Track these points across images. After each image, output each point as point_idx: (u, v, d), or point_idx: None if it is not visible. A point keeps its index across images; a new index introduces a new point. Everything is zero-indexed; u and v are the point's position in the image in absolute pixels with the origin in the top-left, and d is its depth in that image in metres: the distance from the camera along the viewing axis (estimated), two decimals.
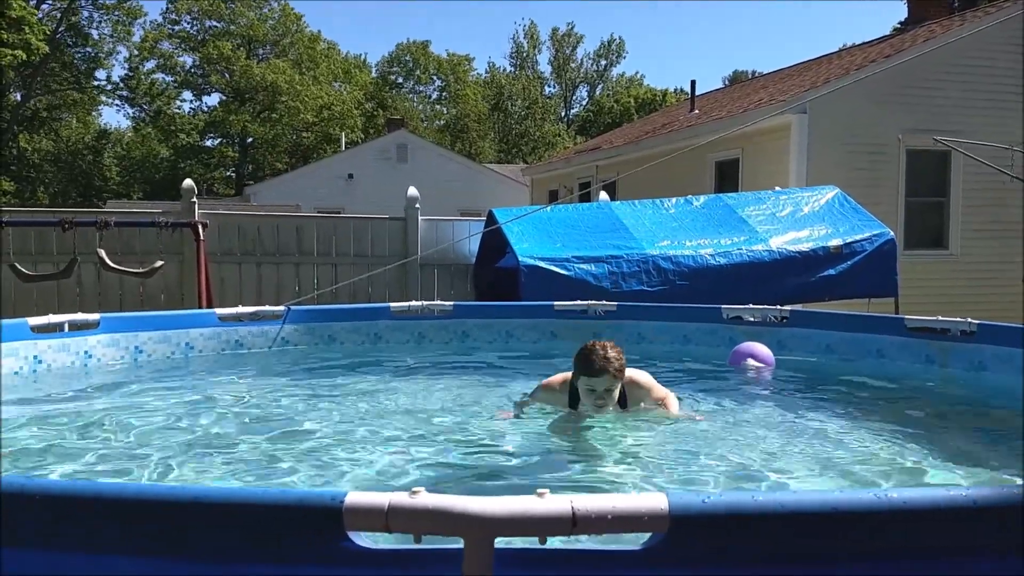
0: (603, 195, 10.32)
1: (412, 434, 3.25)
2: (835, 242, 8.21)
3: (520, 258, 7.61)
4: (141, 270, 7.88)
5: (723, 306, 5.81)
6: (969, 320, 4.91)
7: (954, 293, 12.15)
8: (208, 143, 46.59)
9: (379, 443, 3.13)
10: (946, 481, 2.76)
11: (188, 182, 9.11)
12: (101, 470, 2.81)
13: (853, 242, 8.27)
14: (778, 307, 5.75)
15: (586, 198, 14.26)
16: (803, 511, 1.31)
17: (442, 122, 52.49)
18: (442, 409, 3.75)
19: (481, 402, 3.99)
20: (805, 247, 8.17)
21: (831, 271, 8.11)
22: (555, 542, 1.31)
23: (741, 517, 1.31)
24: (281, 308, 5.72)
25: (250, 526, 1.30)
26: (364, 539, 1.29)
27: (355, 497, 1.25)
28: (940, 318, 5.03)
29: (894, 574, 1.36)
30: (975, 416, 4.16)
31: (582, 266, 7.69)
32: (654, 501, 1.28)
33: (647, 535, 1.31)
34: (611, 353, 3.27)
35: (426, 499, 1.23)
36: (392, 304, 5.91)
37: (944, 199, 12.83)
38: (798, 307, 6.47)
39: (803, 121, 11.96)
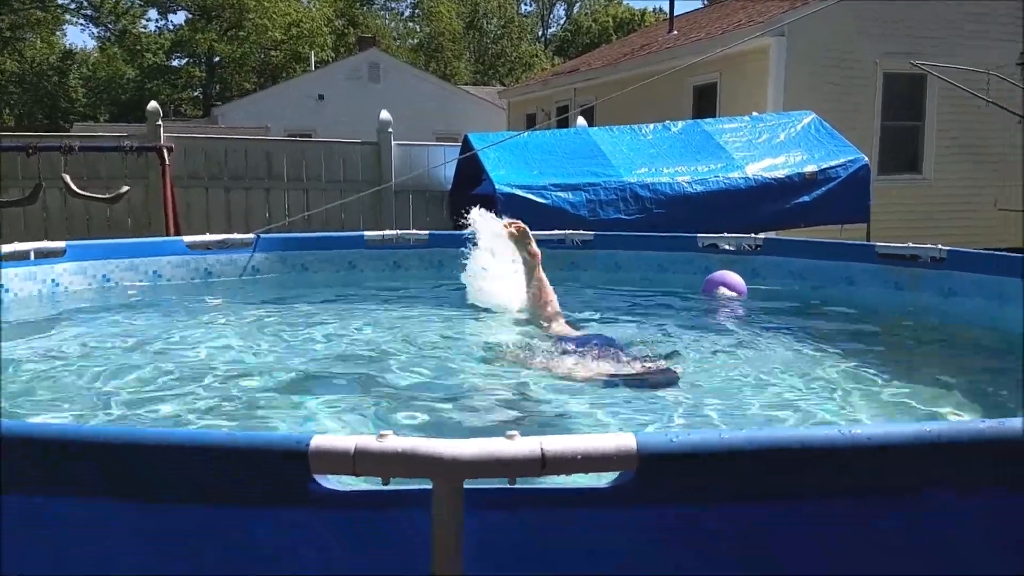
0: (580, 120, 10.20)
1: (383, 372, 3.19)
2: (810, 168, 8.20)
3: (497, 186, 7.54)
4: (107, 196, 7.71)
5: (698, 235, 5.80)
6: (939, 246, 4.94)
7: (928, 217, 12.25)
8: (175, 63, 45.27)
9: (349, 382, 3.09)
10: (920, 412, 2.80)
11: (153, 105, 8.86)
12: (65, 408, 2.77)
13: (828, 168, 8.27)
14: (752, 235, 5.75)
15: (564, 123, 14.08)
16: (770, 448, 1.32)
17: (415, 41, 51.22)
18: (414, 345, 3.68)
19: (454, 338, 3.96)
20: (780, 174, 8.16)
21: (806, 198, 8.13)
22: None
23: (709, 455, 1.31)
24: (250, 236, 5.64)
25: (216, 469, 1.28)
26: (332, 482, 1.28)
27: (320, 440, 1.23)
28: (910, 245, 5.06)
29: (861, 510, 1.37)
30: (945, 344, 4.22)
31: (560, 194, 7.63)
32: (622, 441, 1.28)
33: (616, 474, 1.31)
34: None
35: (394, 442, 1.21)
36: (366, 233, 5.83)
37: (920, 123, 12.82)
38: (772, 235, 6.48)
39: (781, 44, 11.80)
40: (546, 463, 1.24)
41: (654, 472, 1.29)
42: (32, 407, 2.76)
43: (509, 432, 1.26)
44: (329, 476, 1.27)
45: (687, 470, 1.32)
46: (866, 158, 8.59)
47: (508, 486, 1.27)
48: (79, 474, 1.33)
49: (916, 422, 1.67)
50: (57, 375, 3.18)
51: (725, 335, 4.08)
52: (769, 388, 3.09)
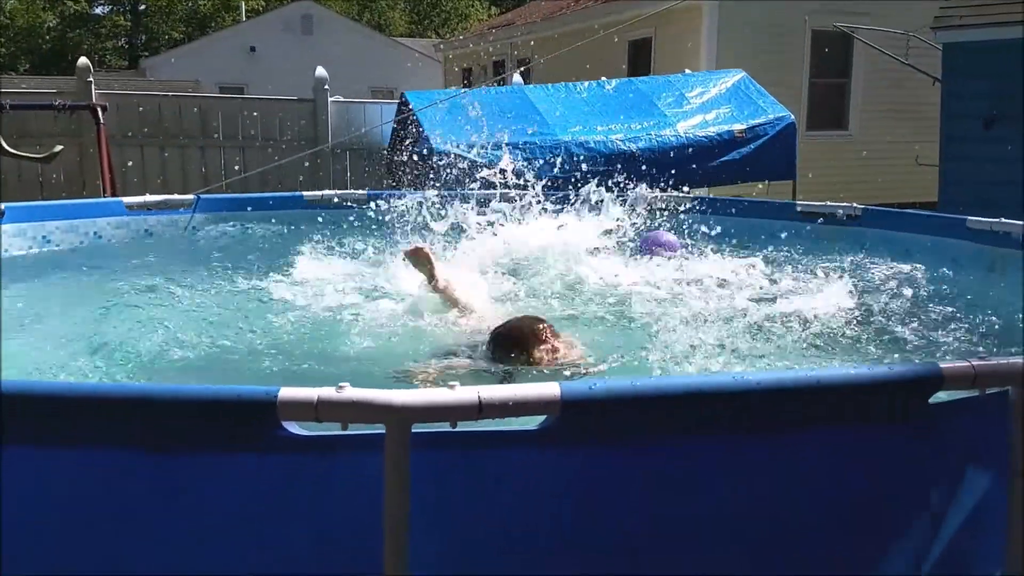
0: (517, 77, 10.31)
1: (333, 327, 3.36)
2: (739, 126, 8.49)
3: (435, 145, 7.64)
4: (40, 155, 7.59)
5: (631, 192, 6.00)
6: (855, 204, 5.28)
7: (852, 173, 12.69)
8: (98, 10, 43.48)
9: (304, 335, 3.24)
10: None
11: (83, 61, 8.69)
12: (31, 367, 2.88)
13: (756, 126, 8.57)
14: (683, 193, 6.00)
15: (502, 80, 14.14)
16: (672, 393, 1.55)
17: None
18: (357, 303, 3.79)
19: (392, 295, 4.00)
20: (711, 131, 8.44)
21: (735, 155, 8.43)
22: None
23: (622, 400, 1.53)
24: (191, 197, 5.67)
25: (196, 419, 1.46)
26: (297, 428, 1.47)
27: (287, 392, 1.42)
28: (828, 203, 5.38)
29: (745, 446, 1.62)
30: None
31: (496, 153, 7.75)
32: (548, 389, 1.49)
33: (543, 417, 1.53)
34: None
35: (352, 393, 1.41)
36: (305, 193, 5.91)
37: (846, 80, 13.23)
38: (705, 192, 6.74)
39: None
40: (482, 408, 1.45)
41: (574, 415, 1.51)
42: None
43: (451, 383, 1.47)
44: (294, 423, 1.47)
45: (604, 412, 1.55)
46: (792, 116, 8.91)
47: (449, 429, 1.48)
48: (65, 426, 1.49)
49: (796, 368, 1.92)
50: (17, 334, 3.25)
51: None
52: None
